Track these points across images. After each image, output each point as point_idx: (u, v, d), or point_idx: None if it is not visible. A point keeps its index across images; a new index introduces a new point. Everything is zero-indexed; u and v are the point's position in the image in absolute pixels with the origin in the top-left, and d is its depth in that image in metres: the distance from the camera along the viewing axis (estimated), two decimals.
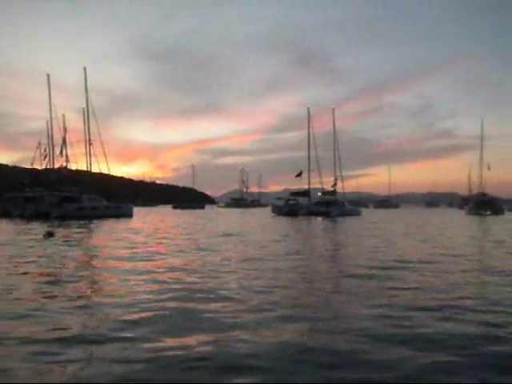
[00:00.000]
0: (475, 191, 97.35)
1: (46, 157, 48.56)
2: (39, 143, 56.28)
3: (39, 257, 12.68)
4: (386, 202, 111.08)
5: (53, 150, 48.28)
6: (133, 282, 8.70)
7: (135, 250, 14.55)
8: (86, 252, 14.59)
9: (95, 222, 34.69)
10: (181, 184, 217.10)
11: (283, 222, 37.44)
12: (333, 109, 58.92)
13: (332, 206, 51.65)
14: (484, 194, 60.90)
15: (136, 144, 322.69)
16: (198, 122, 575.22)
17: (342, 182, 57.16)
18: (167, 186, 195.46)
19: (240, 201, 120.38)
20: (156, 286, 8.28)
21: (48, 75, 47.86)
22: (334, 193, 55.23)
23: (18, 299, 7.23)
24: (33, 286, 8.36)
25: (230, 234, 21.96)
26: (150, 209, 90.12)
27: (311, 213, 50.65)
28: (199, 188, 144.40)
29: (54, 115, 47.62)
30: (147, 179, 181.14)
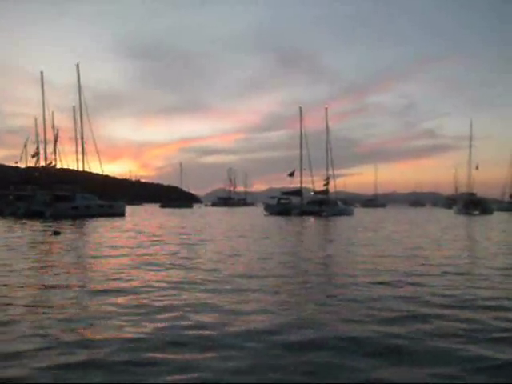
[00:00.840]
0: (461, 191, 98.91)
1: (36, 154, 47.39)
2: (27, 140, 55.10)
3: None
4: (373, 202, 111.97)
5: (45, 148, 47.18)
6: None
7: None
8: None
9: (89, 220, 34.15)
10: (165, 183, 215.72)
11: (279, 222, 37.24)
12: (326, 108, 58.94)
13: (325, 206, 51.71)
14: (473, 194, 61.81)
15: (120, 142, 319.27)
16: (182, 121, 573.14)
17: (335, 180, 57.29)
18: (152, 184, 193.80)
19: (227, 200, 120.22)
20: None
21: (41, 72, 46.82)
22: (326, 192, 55.25)
23: None
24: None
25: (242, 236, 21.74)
26: (137, 207, 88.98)
27: (304, 212, 50.61)
28: (184, 187, 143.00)
29: (42, 113, 46.51)
30: (132, 177, 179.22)
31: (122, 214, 44.14)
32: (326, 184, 55.46)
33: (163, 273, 9.81)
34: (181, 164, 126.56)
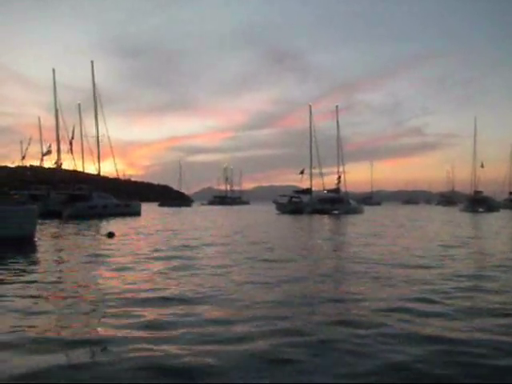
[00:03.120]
0: (459, 188, 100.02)
1: (49, 153, 46.42)
2: (30, 139, 54.03)
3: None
4: (370, 199, 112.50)
5: (58, 146, 46.30)
6: None
7: None
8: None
9: (112, 220, 33.64)
10: (152, 181, 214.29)
11: (304, 221, 37.14)
12: (336, 106, 59.82)
13: (337, 204, 51.80)
14: (479, 192, 62.59)
15: (106, 141, 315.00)
16: (170, 119, 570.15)
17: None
18: (142, 183, 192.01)
19: (223, 199, 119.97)
20: None
21: (53, 70, 46.02)
22: (337, 190, 55.37)
23: None
24: None
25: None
26: None
27: (316, 211, 50.62)
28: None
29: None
30: (122, 176, 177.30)
31: (137, 214, 43.73)
32: (338, 182, 55.60)
33: None
34: (180, 163, 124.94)
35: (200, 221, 35.59)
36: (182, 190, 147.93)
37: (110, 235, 19.51)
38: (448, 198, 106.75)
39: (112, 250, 14.24)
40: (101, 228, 25.68)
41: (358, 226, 27.80)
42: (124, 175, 57.99)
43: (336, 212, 49.82)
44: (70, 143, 44.30)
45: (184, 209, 79.69)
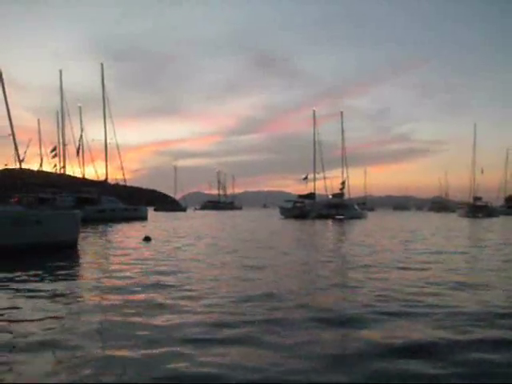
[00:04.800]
0: (454, 195, 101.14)
1: (56, 155, 45.50)
2: (29, 142, 52.98)
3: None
4: (364, 205, 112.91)
5: (64, 149, 45.46)
6: None
7: None
8: None
9: (122, 224, 33.09)
10: (140, 186, 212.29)
11: (315, 227, 36.98)
12: (341, 112, 60.12)
13: (342, 209, 51.81)
14: (478, 198, 63.28)
15: (93, 145, 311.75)
16: (157, 124, 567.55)
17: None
18: (131, 187, 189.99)
19: (216, 204, 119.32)
20: None
21: (60, 71, 45.23)
22: (342, 195, 55.44)
23: None
24: None
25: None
26: None
27: (321, 216, 50.55)
28: (160, 189, 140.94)
29: (60, 113, 44.89)
30: (111, 180, 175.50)
31: (144, 218, 43.19)
32: (342, 188, 55.65)
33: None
34: (175, 167, 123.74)
35: (214, 226, 35.14)
36: (171, 195, 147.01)
37: (147, 239, 19.09)
38: (440, 204, 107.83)
39: (169, 255, 13.83)
40: (119, 232, 25.20)
41: (380, 232, 27.64)
42: (112, 179, 56.95)
43: (341, 217, 49.76)
44: (79, 147, 43.60)
45: (179, 214, 78.91)
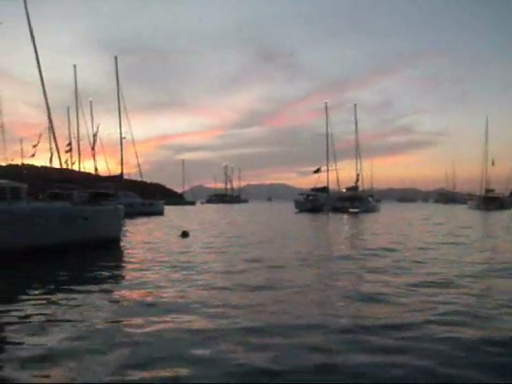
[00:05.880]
0: (462, 187, 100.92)
1: (70, 150, 45.15)
2: (40, 137, 52.75)
3: None
4: (372, 198, 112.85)
5: (78, 143, 45.18)
6: None
7: None
8: None
9: (141, 219, 33.06)
10: (145, 180, 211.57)
11: (334, 220, 36.86)
12: (355, 105, 60.08)
13: (357, 202, 51.36)
14: (491, 190, 62.95)
15: (105, 139, 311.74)
16: (160, 118, 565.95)
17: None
18: (136, 181, 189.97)
19: (223, 197, 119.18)
20: None
21: (75, 66, 44.82)
22: (356, 188, 55.22)
23: None
24: None
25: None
26: None
27: (336, 209, 50.21)
28: (163, 183, 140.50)
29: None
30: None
31: (161, 213, 43.17)
32: (357, 180, 55.46)
33: None
34: (183, 161, 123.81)
35: (236, 220, 35.06)
36: (173, 188, 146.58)
37: (185, 235, 19.02)
38: (447, 196, 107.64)
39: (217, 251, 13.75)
40: (147, 226, 25.18)
41: (408, 226, 27.51)
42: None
43: (356, 210, 49.44)
44: (94, 141, 43.39)
45: (188, 207, 79.00)
